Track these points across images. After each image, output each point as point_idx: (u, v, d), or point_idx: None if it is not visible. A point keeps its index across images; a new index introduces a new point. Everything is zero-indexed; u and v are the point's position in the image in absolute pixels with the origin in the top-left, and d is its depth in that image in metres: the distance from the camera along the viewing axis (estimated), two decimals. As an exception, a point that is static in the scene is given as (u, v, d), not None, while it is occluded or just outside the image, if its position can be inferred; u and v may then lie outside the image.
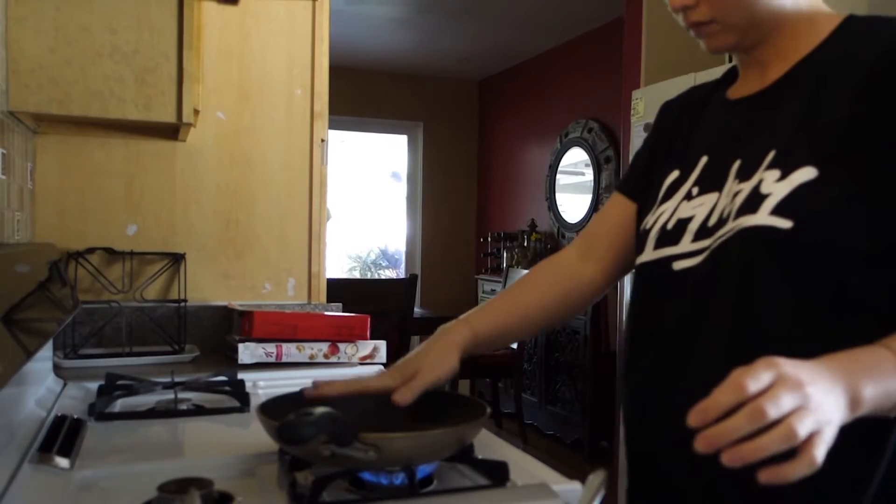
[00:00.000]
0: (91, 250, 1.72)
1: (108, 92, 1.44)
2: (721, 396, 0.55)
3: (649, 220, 0.88)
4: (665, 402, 0.79)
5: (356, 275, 6.74)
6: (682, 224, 0.82)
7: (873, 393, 0.60)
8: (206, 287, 1.84)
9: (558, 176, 5.19)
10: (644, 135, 2.85)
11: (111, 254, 1.74)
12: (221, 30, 1.84)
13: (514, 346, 4.29)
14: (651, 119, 3.21)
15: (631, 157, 2.94)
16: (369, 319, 1.63)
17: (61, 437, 0.99)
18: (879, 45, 0.72)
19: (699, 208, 0.81)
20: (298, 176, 1.93)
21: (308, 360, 1.57)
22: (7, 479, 0.84)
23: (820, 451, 0.54)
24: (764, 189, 0.72)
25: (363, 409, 1.01)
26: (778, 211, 0.70)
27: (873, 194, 0.68)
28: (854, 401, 0.59)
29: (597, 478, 0.73)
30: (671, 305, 0.80)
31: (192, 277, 1.80)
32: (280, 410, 0.83)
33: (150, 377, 1.32)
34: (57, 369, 1.45)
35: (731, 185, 0.78)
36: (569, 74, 5.13)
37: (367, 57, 5.65)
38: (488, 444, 1.03)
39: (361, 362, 1.60)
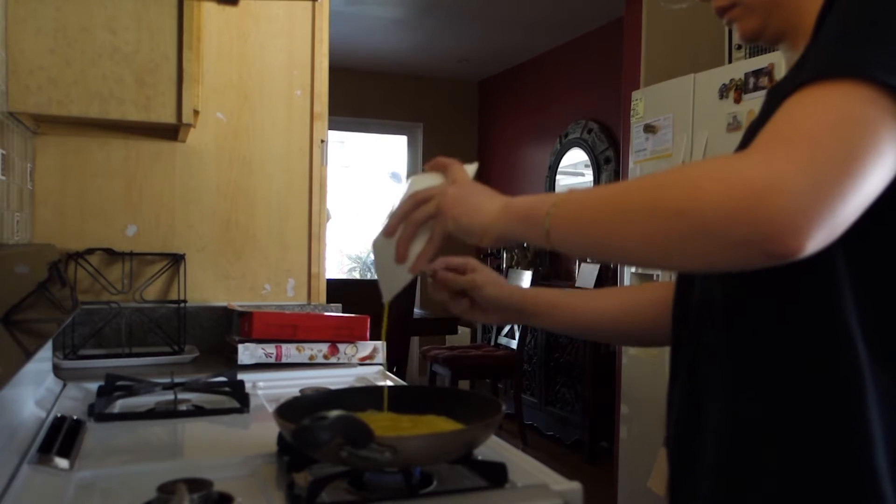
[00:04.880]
0: (91, 251, 1.72)
1: (107, 92, 1.44)
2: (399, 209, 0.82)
3: None
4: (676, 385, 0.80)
5: (356, 275, 6.74)
6: None
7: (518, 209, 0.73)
8: (205, 288, 1.84)
9: (558, 176, 5.19)
10: (644, 135, 2.85)
11: (111, 254, 1.74)
12: (221, 30, 1.85)
13: (514, 346, 4.29)
14: (650, 120, 3.20)
15: (631, 158, 2.94)
16: (369, 320, 1.64)
17: (61, 437, 0.99)
18: None
19: None
20: (298, 177, 1.93)
21: (308, 361, 1.57)
22: (7, 479, 0.84)
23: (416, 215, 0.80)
24: None
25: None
26: None
27: None
28: (505, 206, 0.75)
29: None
30: (693, 292, 0.80)
31: (191, 278, 1.80)
32: (298, 413, 0.84)
33: (149, 378, 1.32)
34: (56, 370, 1.44)
35: None
36: (569, 75, 5.13)
37: (366, 58, 5.65)
38: (488, 445, 1.02)
39: (361, 363, 1.60)
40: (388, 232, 0.83)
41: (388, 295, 0.88)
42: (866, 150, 0.54)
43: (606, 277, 4.29)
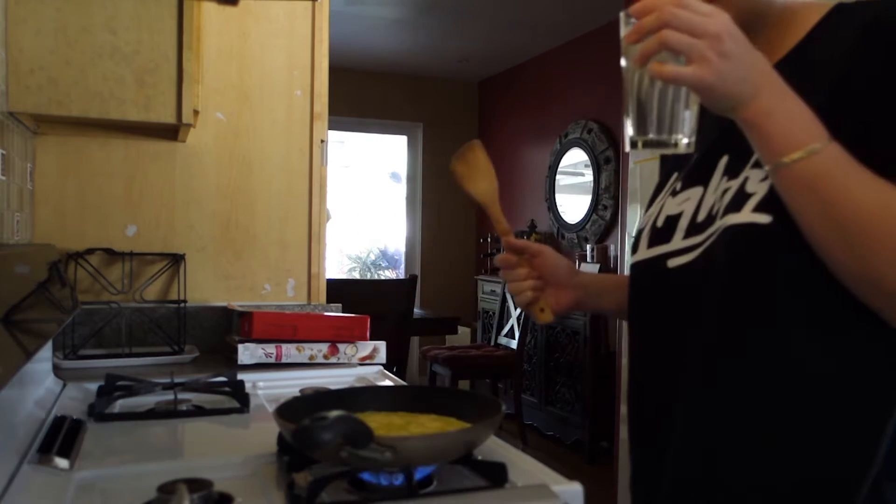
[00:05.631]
0: (91, 251, 1.72)
1: (107, 92, 1.44)
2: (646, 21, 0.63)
3: (643, 220, 0.89)
4: (663, 397, 0.80)
5: (356, 275, 6.74)
6: (672, 221, 0.82)
7: (774, 110, 0.65)
8: (205, 288, 1.84)
9: (558, 176, 5.19)
10: (644, 135, 2.85)
11: (111, 254, 1.74)
12: (221, 30, 1.85)
13: (514, 346, 4.29)
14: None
15: (631, 158, 2.94)
16: (369, 320, 1.64)
17: (61, 437, 0.99)
18: (859, 25, 0.71)
19: (685, 203, 0.81)
20: (298, 177, 1.93)
21: (308, 361, 1.57)
22: (6, 479, 0.84)
23: (683, 70, 0.61)
24: (749, 188, 0.72)
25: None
26: (759, 208, 0.70)
27: None
28: (754, 96, 0.64)
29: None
30: (667, 302, 0.80)
31: (191, 278, 1.80)
32: (298, 412, 0.84)
33: (149, 378, 1.32)
34: (56, 370, 1.44)
35: (718, 180, 0.78)
36: (569, 75, 5.13)
37: (366, 58, 5.65)
38: (488, 445, 1.02)
39: (361, 363, 1.60)
40: (632, 35, 0.64)
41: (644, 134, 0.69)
42: None
43: (606, 277, 4.28)
